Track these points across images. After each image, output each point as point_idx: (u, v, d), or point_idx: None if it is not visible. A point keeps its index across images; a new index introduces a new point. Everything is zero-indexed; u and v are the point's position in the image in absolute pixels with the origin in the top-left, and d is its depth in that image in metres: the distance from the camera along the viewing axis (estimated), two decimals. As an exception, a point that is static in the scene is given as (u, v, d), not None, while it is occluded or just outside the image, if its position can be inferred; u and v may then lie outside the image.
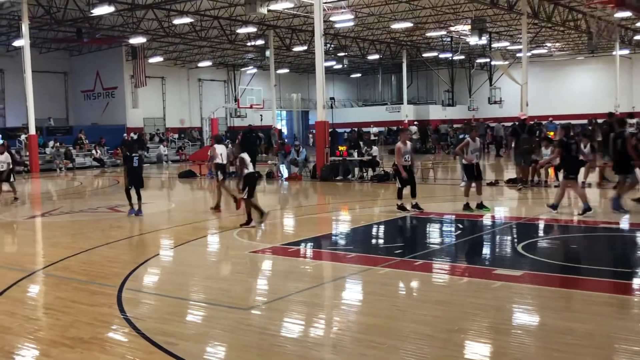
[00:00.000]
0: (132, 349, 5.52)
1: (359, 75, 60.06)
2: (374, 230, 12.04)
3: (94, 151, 33.92)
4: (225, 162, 14.62)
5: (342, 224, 12.99)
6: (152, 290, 7.76)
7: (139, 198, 13.94)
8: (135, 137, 37.44)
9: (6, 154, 17.80)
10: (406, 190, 13.06)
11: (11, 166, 17.78)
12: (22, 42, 28.17)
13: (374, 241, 11.09)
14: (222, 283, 7.89)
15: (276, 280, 8.24)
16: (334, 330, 5.99)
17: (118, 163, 34.01)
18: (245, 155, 12.10)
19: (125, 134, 37.50)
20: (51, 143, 32.77)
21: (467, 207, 12.84)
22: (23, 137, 31.51)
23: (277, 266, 9.03)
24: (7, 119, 38.13)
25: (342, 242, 10.91)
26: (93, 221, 13.80)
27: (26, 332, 5.97)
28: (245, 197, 11.70)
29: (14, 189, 17.81)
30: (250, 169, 12.11)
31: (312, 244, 10.53)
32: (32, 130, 29.16)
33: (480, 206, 12.81)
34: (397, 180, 13.21)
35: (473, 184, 13.10)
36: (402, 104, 50.57)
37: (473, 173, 12.98)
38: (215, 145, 15.15)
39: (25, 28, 27.56)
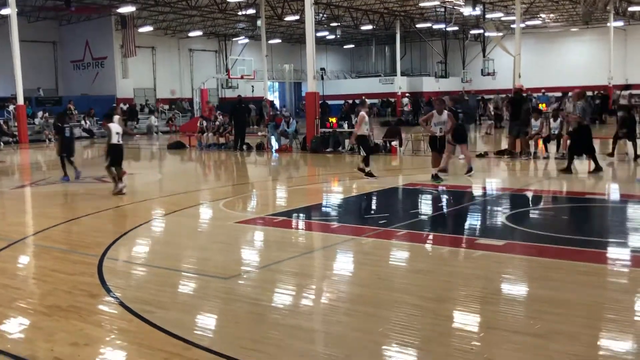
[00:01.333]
0: (109, 317, 5.50)
1: (352, 46, 59.60)
2: (361, 201, 12.02)
3: (83, 122, 33.64)
4: None
5: (330, 195, 12.97)
6: (134, 259, 7.72)
7: (72, 164, 15.01)
8: (125, 107, 37.14)
9: None
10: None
11: None
12: (9, 10, 27.72)
13: (360, 212, 11.07)
14: (205, 252, 7.87)
15: (260, 250, 8.23)
16: (313, 298, 5.99)
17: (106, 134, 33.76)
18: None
19: (114, 104, 37.22)
20: (40, 114, 32.45)
21: (435, 177, 12.91)
22: (11, 107, 31.18)
23: (261, 236, 9.01)
24: (-4, 89, 37.70)
25: (329, 212, 10.89)
26: (80, 191, 13.73)
27: (5, 300, 5.93)
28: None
29: None
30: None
31: (299, 214, 10.50)
32: (21, 101, 28.85)
33: (435, 178, 12.85)
34: (362, 149, 14.21)
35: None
36: (396, 75, 50.30)
37: (436, 145, 13.16)
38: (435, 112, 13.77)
39: (12, -5, 27.08)
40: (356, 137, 14.44)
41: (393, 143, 19.82)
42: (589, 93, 21.96)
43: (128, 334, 5.06)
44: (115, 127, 12.94)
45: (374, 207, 11.63)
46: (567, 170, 13.70)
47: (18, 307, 5.77)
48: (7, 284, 6.52)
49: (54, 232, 9.25)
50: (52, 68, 41.71)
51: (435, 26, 45.92)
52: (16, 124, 29.74)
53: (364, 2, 39.65)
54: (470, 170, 13.79)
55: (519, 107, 17.27)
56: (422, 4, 39.16)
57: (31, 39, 36.46)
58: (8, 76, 30.83)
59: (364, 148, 14.17)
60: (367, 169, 13.89)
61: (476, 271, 6.59)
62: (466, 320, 5.24)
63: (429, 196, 12.02)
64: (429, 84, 50.65)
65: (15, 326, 5.34)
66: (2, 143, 28.57)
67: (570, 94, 18.45)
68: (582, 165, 14.49)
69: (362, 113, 14.30)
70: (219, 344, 4.82)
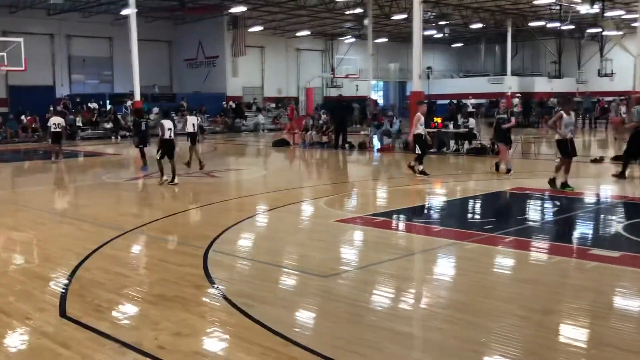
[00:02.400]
0: (211, 309, 5.64)
1: (460, 45, 58.31)
2: (466, 204, 11.70)
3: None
4: None
5: (432, 197, 12.72)
6: (237, 253, 7.89)
7: (144, 156, 16.61)
8: (233, 105, 38.34)
9: (57, 117, 20.52)
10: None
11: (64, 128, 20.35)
12: (129, 11, 29.29)
13: (464, 215, 10.76)
14: (305, 249, 7.92)
15: (359, 250, 8.19)
16: (412, 302, 5.87)
17: (217, 130, 35.02)
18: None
19: (224, 102, 38.50)
20: (155, 109, 34.08)
21: (552, 183, 12.09)
22: (129, 103, 32.95)
23: (361, 236, 8.96)
24: (115, 85, 39.98)
25: (430, 215, 10.68)
26: (189, 185, 14.26)
27: (115, 287, 6.23)
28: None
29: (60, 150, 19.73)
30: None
31: (399, 215, 10.37)
32: (137, 97, 30.40)
33: (564, 185, 11.97)
34: (418, 147, 14.47)
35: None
36: (506, 75, 48.70)
37: (567, 149, 12.10)
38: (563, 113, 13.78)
39: (132, -3, 28.58)
40: (412, 136, 14.90)
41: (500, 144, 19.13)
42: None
43: (228, 326, 5.17)
44: (168, 123, 13.73)
45: (478, 211, 11.28)
46: (621, 175, 13.23)
47: (127, 295, 6.05)
48: (119, 271, 6.85)
49: (164, 223, 9.65)
50: (167, 66, 43.67)
51: (550, 25, 43.97)
52: (132, 119, 31.40)
53: (474, 0, 38.64)
54: (508, 171, 14.27)
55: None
56: (536, 2, 37.64)
57: (148, 38, 38.35)
58: (126, 73, 32.62)
59: (419, 147, 14.49)
60: (420, 167, 14.46)
61: (588, 283, 6.21)
62: (575, 334, 4.94)
63: (538, 202, 11.50)
64: (541, 85, 48.65)
65: (124, 313, 5.59)
66: (119, 137, 30.31)
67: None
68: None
69: (418, 114, 14.73)
70: (315, 342, 4.81)
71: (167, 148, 13.65)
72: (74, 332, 5.04)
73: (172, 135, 13.71)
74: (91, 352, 4.63)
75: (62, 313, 5.49)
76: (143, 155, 16.77)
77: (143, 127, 16.80)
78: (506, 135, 14.71)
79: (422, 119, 14.66)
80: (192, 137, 17.28)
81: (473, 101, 44.64)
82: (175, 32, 43.66)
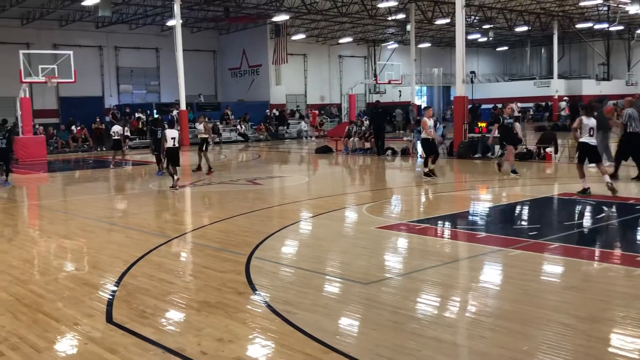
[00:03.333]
0: (253, 315, 5.69)
1: (505, 48, 57.51)
2: (510, 210, 11.50)
3: (238, 126, 35.45)
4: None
5: (476, 203, 12.56)
6: (279, 260, 7.94)
7: (160, 162, 17.20)
8: (277, 113, 38.65)
9: (117, 126, 21.83)
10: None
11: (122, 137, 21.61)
12: (175, 22, 29.91)
13: (509, 221, 10.59)
14: (347, 256, 7.92)
15: (401, 257, 8.14)
16: (455, 310, 5.80)
17: (261, 138, 35.35)
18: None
19: (267, 110, 38.84)
20: (200, 118, 34.60)
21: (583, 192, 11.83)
22: (175, 112, 33.56)
23: (403, 243, 8.91)
24: (162, 94, 40.81)
25: (474, 221, 10.54)
26: (233, 192, 14.44)
27: (160, 294, 6.35)
28: None
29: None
30: None
31: (442, 222, 10.28)
32: (183, 106, 30.97)
33: (584, 191, 11.76)
34: (423, 151, 15.68)
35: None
36: (552, 78, 47.80)
37: (586, 154, 11.89)
38: (583, 118, 13.85)
39: (177, 8, 29.21)
40: (421, 140, 15.84)
41: (547, 149, 18.80)
42: None
43: (270, 333, 5.20)
44: (171, 132, 14.76)
45: (524, 217, 11.08)
46: (614, 175, 13.37)
47: (171, 301, 6.15)
48: (163, 278, 6.98)
49: (208, 230, 9.79)
50: (212, 75, 44.34)
51: (597, 26, 43.04)
52: (178, 128, 31.96)
53: (518, 2, 38.07)
54: (513, 171, 15.03)
55: None
56: (582, 3, 36.92)
57: (193, 48, 39.05)
58: (172, 83, 33.26)
59: (425, 150, 15.61)
60: (426, 169, 15.29)
61: (637, 291, 6.04)
62: (624, 344, 4.80)
63: (586, 207, 11.24)
64: (589, 87, 47.55)
65: (168, 319, 5.69)
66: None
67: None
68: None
69: (425, 119, 15.50)
70: (357, 350, 4.80)
71: (171, 155, 14.64)
72: (120, 337, 5.16)
73: (176, 143, 14.68)
74: (136, 358, 4.73)
75: (109, 319, 5.63)
76: (159, 161, 17.73)
77: (159, 135, 17.33)
78: (511, 137, 15.28)
79: (430, 122, 15.25)
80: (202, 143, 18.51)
81: (519, 105, 43.91)
82: (219, 41, 44.32)
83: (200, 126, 18.93)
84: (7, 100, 30.07)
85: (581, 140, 11.88)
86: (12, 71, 26.52)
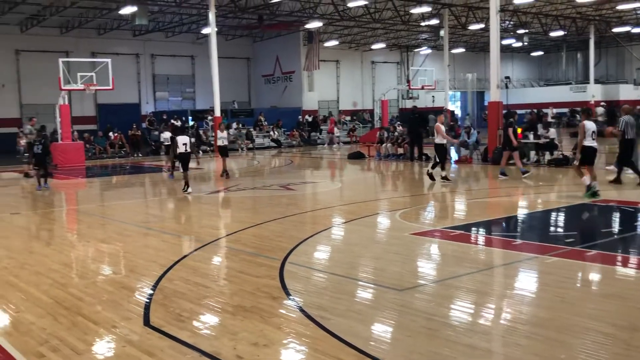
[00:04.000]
0: (288, 320, 5.73)
1: (540, 53, 56.79)
2: (546, 217, 11.35)
3: (271, 132, 35.68)
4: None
5: (511, 210, 12.42)
6: (312, 265, 7.97)
7: (174, 164, 18.41)
8: (309, 119, 38.81)
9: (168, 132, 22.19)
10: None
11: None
12: (209, 29, 30.28)
13: (545, 228, 10.45)
14: (380, 263, 7.91)
15: (436, 263, 8.09)
16: (490, 318, 5.75)
17: (293, 144, 35.51)
18: None
19: (300, 116, 39.00)
20: (234, 124, 34.96)
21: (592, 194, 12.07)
22: (209, 118, 33.94)
23: (437, 249, 8.86)
24: (197, 101, 41.32)
25: (510, 228, 10.44)
26: (266, 198, 14.54)
27: (196, 298, 6.43)
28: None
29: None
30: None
31: (477, 228, 10.19)
32: (217, 113, 31.30)
33: (593, 194, 12.03)
34: (437, 156, 15.92)
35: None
36: (589, 83, 47.01)
37: (591, 158, 12.29)
38: (586, 123, 14.04)
39: (212, 16, 29.55)
40: (434, 145, 16.18)
41: (584, 156, 18.47)
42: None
43: (304, 338, 5.23)
44: (182, 139, 15.41)
45: (560, 224, 10.92)
46: (617, 181, 14.16)
47: (207, 305, 6.23)
48: (199, 282, 7.07)
49: (242, 235, 9.88)
50: (246, 82, 44.75)
51: (635, 30, 42.22)
52: (213, 134, 32.31)
53: (554, 7, 37.57)
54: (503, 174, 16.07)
55: None
56: (620, 7, 36.30)
57: (228, 56, 39.47)
58: (207, 90, 33.65)
59: (438, 155, 15.91)
60: (443, 173, 15.79)
61: (679, 300, 5.91)
62: (665, 354, 4.71)
63: (624, 214, 11.03)
64: (627, 92, 46.63)
65: (204, 323, 5.76)
66: (200, 151, 31.22)
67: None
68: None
69: (438, 124, 16.06)
70: (391, 356, 4.81)
71: (182, 160, 15.49)
72: (157, 340, 5.25)
73: (188, 149, 15.33)
74: (173, 360, 4.80)
75: (146, 322, 5.72)
76: (173, 166, 19.15)
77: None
78: (506, 142, 16.47)
79: (443, 128, 16.02)
80: (223, 151, 19.30)
81: (554, 111, 43.37)
82: (253, 49, 44.71)
83: (223, 133, 19.39)
84: (47, 107, 30.78)
85: (585, 144, 12.18)
86: (51, 79, 27.16)
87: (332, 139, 36.10)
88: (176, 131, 17.47)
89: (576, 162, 12.76)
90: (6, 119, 34.23)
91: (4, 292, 6.90)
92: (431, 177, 15.96)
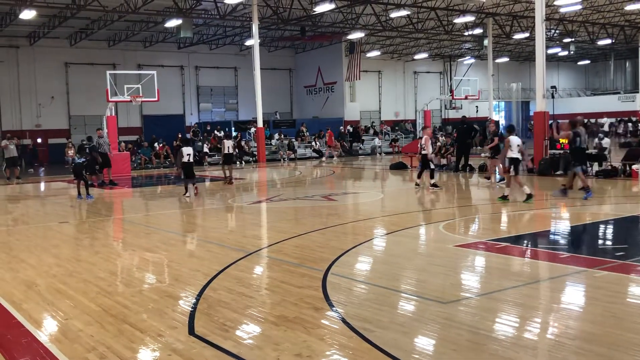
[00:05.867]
0: (331, 331, 5.71)
1: (587, 62, 55.69)
2: (595, 229, 11.08)
3: (313, 143, 35.78)
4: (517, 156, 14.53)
5: (559, 222, 12.17)
6: (355, 276, 7.94)
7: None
8: (351, 129, 38.82)
9: (229, 140, 22.34)
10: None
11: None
12: (253, 41, 30.64)
13: (593, 241, 10.20)
14: (424, 275, 7.83)
15: (480, 276, 7.97)
16: (537, 332, 5.62)
17: (334, 154, 35.52)
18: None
19: (342, 126, 39.00)
20: (276, 135, 35.23)
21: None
22: (252, 129, 34.29)
23: (482, 262, 8.73)
24: (240, 112, 41.82)
25: (557, 240, 10.21)
26: (308, 208, 14.57)
27: (239, 307, 6.47)
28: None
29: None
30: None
31: (523, 241, 10.01)
32: (260, 123, 31.60)
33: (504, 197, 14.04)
34: (424, 165, 17.28)
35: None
36: (638, 92, 45.86)
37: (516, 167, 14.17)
38: (511, 137, 14.39)
39: (255, 28, 29.93)
40: (420, 156, 17.62)
41: (634, 166, 18.01)
42: None
43: (347, 350, 5.20)
44: (187, 150, 16.54)
45: (609, 237, 10.64)
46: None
47: (250, 315, 6.26)
48: (242, 292, 7.11)
49: (285, 245, 9.91)
50: (288, 93, 45.11)
51: (687, 36, 41.03)
52: (256, 145, 32.61)
53: (601, 15, 36.83)
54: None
55: None
56: (671, 13, 35.37)
57: (270, 67, 39.89)
58: (250, 101, 34.04)
59: (423, 164, 17.37)
60: (432, 181, 17.19)
61: None
62: None
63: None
64: (678, 101, 45.33)
65: (247, 333, 5.79)
66: (243, 161, 31.56)
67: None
68: None
69: (426, 136, 17.36)
70: (435, 370, 4.74)
71: (186, 169, 16.57)
72: (202, 349, 5.29)
73: (191, 159, 16.54)
74: (217, 370, 4.83)
75: (191, 331, 5.78)
76: (228, 176, 20.58)
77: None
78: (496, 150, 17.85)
79: (430, 140, 17.51)
80: (228, 158, 20.84)
81: (605, 120, 42.50)
82: (295, 60, 45.07)
83: (229, 143, 20.99)
84: (95, 119, 31.58)
85: (512, 156, 14.02)
86: (98, 90, 27.88)
87: (331, 153, 35.35)
88: (183, 143, 18.49)
89: (512, 173, 14.17)
90: (55, 129, 35.25)
91: (54, 300, 7.07)
92: (435, 185, 17.16)
